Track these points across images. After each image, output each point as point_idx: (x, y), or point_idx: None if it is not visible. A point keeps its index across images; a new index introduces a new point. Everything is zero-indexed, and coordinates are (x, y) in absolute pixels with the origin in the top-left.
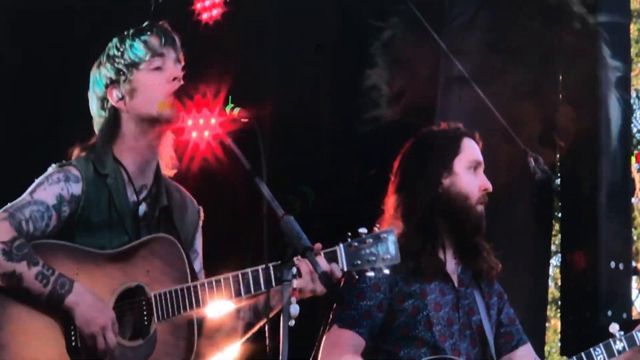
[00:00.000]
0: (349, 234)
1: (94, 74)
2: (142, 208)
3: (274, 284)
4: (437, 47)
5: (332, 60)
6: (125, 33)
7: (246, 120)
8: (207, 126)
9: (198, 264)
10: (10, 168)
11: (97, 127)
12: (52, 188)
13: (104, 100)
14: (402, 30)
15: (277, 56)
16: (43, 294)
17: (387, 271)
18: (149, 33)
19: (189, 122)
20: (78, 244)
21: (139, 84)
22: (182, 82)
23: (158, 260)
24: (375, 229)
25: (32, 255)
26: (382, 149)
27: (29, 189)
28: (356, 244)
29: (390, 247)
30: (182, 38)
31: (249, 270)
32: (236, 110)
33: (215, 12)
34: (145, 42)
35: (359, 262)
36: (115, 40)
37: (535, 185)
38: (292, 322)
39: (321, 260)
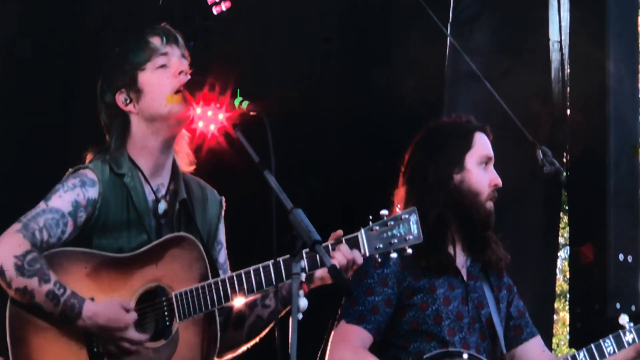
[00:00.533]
0: (370, 217)
1: (100, 86)
2: (162, 206)
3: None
4: (444, 40)
5: (340, 52)
6: (127, 40)
7: (255, 113)
8: (215, 119)
9: (223, 255)
10: (20, 162)
11: (109, 134)
12: (67, 195)
13: (112, 107)
14: (410, 23)
15: (285, 48)
16: (54, 313)
17: (410, 251)
18: (149, 35)
19: (198, 111)
20: (95, 246)
21: (144, 85)
22: (189, 76)
23: (177, 260)
24: (397, 209)
25: (44, 272)
26: (390, 141)
27: (45, 196)
28: (377, 227)
29: (412, 227)
30: (190, 31)
31: (269, 262)
32: (245, 104)
33: (224, 6)
34: (146, 44)
35: (381, 245)
36: (117, 49)
37: (544, 178)
38: (300, 316)
39: (344, 248)
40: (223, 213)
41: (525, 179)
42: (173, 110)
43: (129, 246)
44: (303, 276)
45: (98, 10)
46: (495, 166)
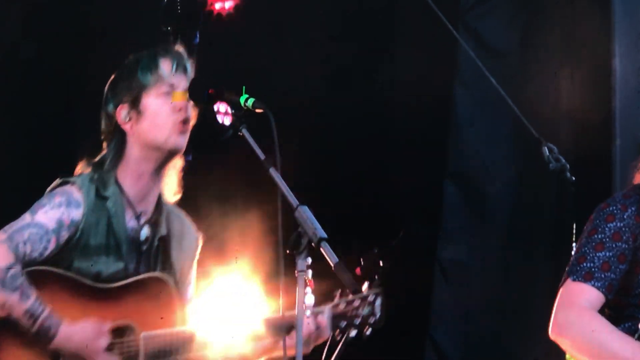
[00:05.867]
0: (337, 293)
1: (106, 93)
2: (145, 232)
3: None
4: (453, 37)
5: (345, 50)
6: (140, 53)
7: (260, 110)
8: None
9: (191, 292)
10: (24, 163)
11: (106, 143)
12: (53, 212)
13: (112, 119)
14: (416, 20)
15: (289, 46)
16: (29, 331)
17: (368, 332)
18: (162, 57)
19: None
20: (75, 268)
21: (145, 109)
22: (187, 114)
23: (150, 301)
24: (363, 290)
25: (25, 288)
26: (396, 139)
27: (31, 209)
28: (343, 305)
29: (375, 310)
30: (194, 31)
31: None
32: (250, 102)
33: (228, 5)
34: (156, 67)
35: (344, 323)
36: (129, 59)
37: (550, 174)
38: (307, 313)
39: (309, 320)
40: (199, 250)
41: (535, 177)
42: (170, 141)
43: (106, 271)
44: (309, 273)
45: (102, 10)
46: (502, 164)
